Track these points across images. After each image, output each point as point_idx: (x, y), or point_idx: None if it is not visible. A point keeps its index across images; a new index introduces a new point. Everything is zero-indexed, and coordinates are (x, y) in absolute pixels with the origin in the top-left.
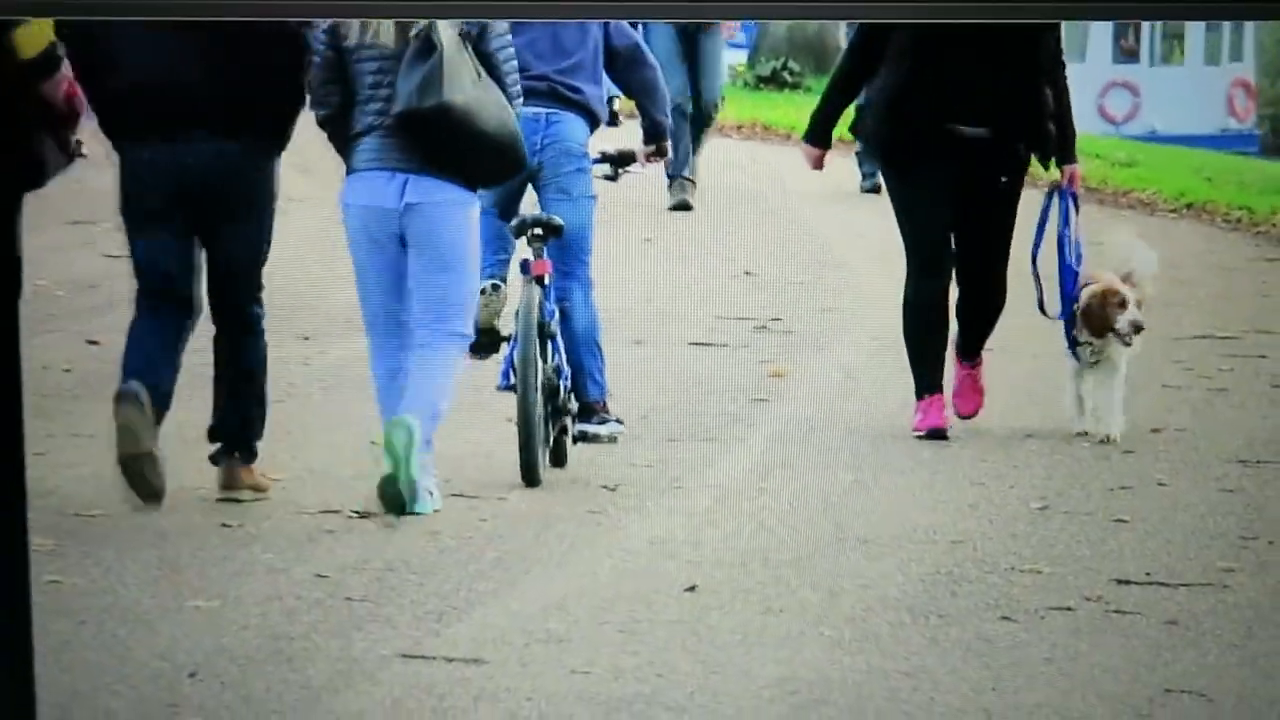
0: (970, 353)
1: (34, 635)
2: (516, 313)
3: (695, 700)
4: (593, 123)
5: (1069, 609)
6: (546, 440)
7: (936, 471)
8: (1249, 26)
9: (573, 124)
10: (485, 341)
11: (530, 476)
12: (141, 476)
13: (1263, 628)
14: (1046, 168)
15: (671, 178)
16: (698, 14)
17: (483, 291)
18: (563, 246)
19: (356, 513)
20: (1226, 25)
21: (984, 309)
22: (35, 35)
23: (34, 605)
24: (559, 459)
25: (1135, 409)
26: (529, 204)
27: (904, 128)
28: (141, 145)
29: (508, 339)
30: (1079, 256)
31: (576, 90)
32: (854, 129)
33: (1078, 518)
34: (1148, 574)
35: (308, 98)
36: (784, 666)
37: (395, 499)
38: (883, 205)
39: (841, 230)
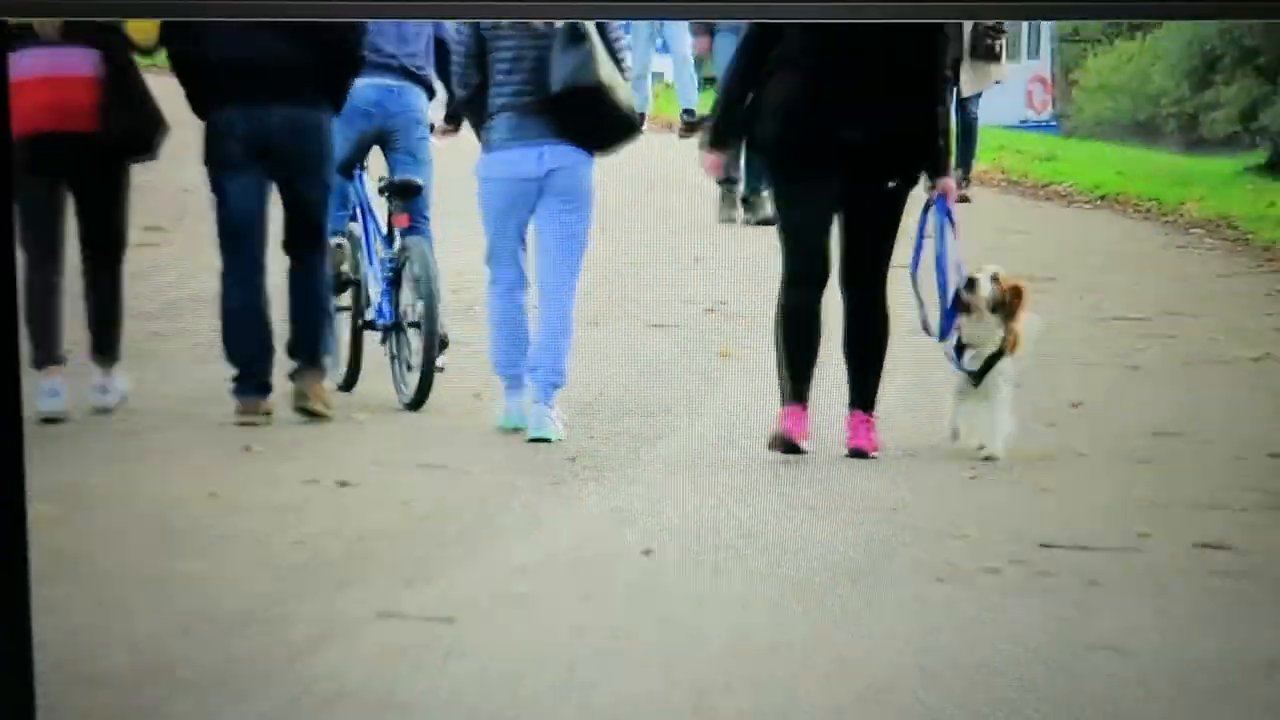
0: (865, 403)
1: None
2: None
3: (651, 656)
4: (430, 95)
5: (996, 570)
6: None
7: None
8: (1045, 26)
9: (419, 96)
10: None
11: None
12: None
13: (1175, 587)
14: (931, 181)
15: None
16: (700, 14)
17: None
18: (411, 204)
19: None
20: (1025, 25)
21: (868, 336)
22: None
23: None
24: None
25: (1059, 383)
26: None
27: (791, 128)
28: (227, 111)
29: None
30: (961, 275)
31: (420, 68)
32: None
33: (1004, 486)
34: (1070, 539)
35: (452, 80)
36: (733, 626)
37: (543, 439)
38: None
39: None
